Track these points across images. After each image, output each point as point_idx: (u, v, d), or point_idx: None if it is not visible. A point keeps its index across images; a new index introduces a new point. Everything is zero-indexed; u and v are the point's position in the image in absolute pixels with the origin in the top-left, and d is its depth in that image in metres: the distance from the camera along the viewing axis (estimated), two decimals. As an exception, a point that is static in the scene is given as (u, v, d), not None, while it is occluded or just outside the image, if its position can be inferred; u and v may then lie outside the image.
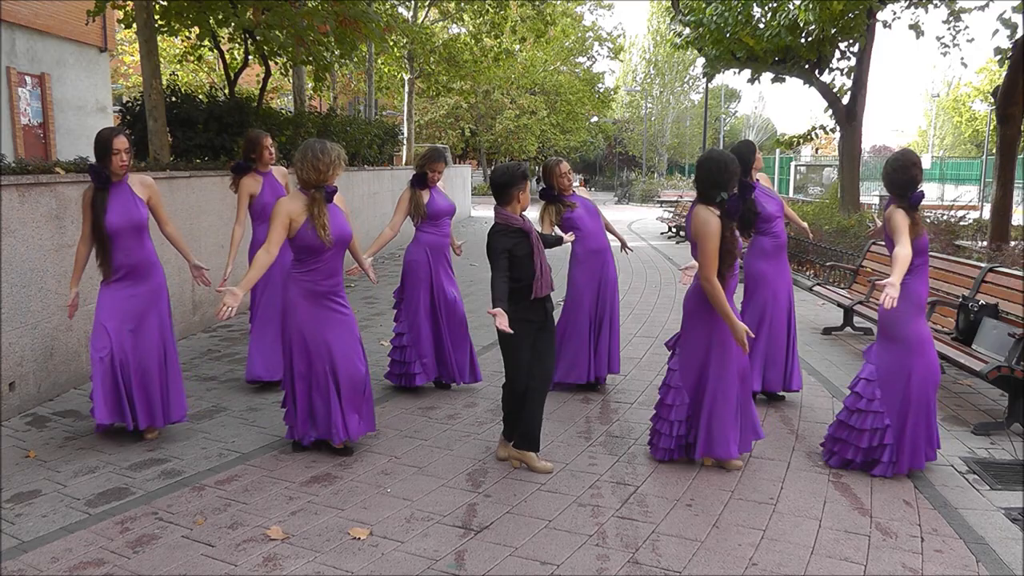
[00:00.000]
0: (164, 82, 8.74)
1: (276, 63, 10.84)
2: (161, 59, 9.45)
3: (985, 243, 10.45)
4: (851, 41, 13.09)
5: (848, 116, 13.79)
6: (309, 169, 3.99)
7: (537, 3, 18.86)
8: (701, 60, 15.82)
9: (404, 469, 4.10)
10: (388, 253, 13.85)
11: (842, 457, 4.08)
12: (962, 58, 53.94)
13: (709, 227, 3.76)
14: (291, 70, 12.15)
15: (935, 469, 4.10)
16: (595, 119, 46.87)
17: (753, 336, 4.10)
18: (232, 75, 10.09)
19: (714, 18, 12.97)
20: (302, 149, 4.04)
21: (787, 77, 14.35)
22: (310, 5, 9.17)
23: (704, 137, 27.17)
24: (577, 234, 5.24)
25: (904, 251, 3.71)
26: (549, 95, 38.16)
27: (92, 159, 4.37)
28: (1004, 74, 10.84)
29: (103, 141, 4.24)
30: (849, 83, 13.69)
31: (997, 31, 10.92)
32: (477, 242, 15.05)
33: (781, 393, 5.27)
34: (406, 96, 21.04)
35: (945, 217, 12.16)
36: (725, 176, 3.83)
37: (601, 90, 39.98)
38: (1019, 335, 4.68)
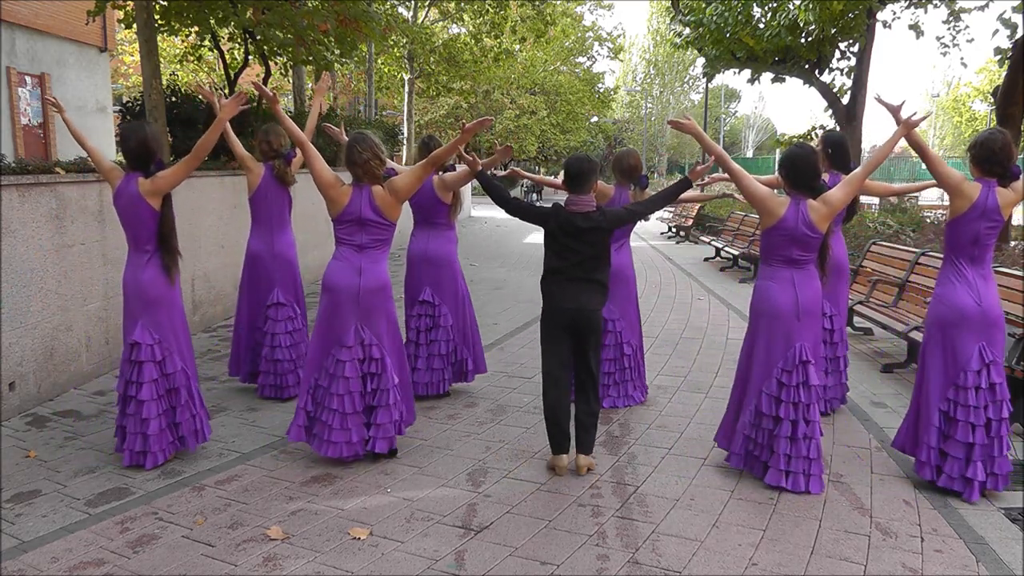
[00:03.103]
0: (164, 82, 8.74)
1: (276, 63, 10.83)
2: (161, 59, 9.44)
3: (985, 243, 10.42)
4: (851, 41, 13.08)
5: (848, 116, 13.79)
6: (384, 158, 3.95)
7: (537, 3, 18.87)
8: (701, 60, 15.82)
9: (404, 469, 4.10)
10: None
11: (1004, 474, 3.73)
12: (962, 58, 54.28)
13: (830, 197, 3.83)
14: (291, 70, 12.16)
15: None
16: (595, 119, 46.88)
17: None
18: (232, 75, 10.09)
19: (714, 18, 12.97)
20: (364, 142, 3.88)
21: (787, 77, 14.35)
22: (310, 5, 9.17)
23: (704, 137, 27.15)
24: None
25: None
26: (549, 95, 38.14)
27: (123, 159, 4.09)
28: (1004, 74, 10.85)
29: (158, 136, 4.10)
30: (849, 83, 13.69)
31: (997, 31, 10.93)
32: (477, 243, 15.07)
33: None
34: (406, 96, 21.06)
35: (946, 217, 12.14)
36: (819, 165, 3.97)
37: (601, 90, 39.97)
38: (1019, 335, 4.68)
